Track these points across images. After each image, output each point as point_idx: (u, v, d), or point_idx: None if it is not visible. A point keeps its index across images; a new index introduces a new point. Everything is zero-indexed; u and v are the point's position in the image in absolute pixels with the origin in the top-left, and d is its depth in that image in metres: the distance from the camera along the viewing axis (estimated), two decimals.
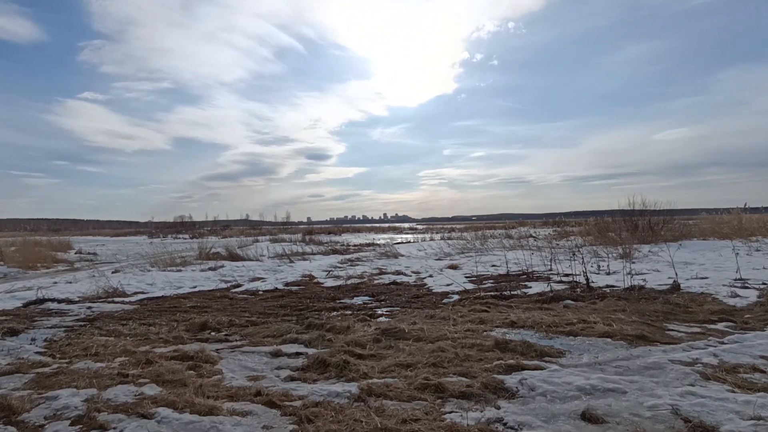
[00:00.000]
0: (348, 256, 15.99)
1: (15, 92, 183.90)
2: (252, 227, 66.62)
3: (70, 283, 10.09)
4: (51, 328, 5.57)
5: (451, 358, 3.67)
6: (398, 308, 6.55)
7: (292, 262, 13.85)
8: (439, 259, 14.58)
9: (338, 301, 7.31)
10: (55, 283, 10.25)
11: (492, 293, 7.35)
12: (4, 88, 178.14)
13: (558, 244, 17.20)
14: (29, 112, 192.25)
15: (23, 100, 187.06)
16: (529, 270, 10.35)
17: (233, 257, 14.75)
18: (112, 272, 11.57)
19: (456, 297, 7.32)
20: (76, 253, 22.67)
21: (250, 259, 14.75)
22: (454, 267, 12.01)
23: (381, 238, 32.27)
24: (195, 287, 9.42)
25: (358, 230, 59.63)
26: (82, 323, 5.76)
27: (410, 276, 10.59)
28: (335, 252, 18.30)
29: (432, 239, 26.42)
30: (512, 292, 7.45)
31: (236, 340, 4.81)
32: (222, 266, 12.44)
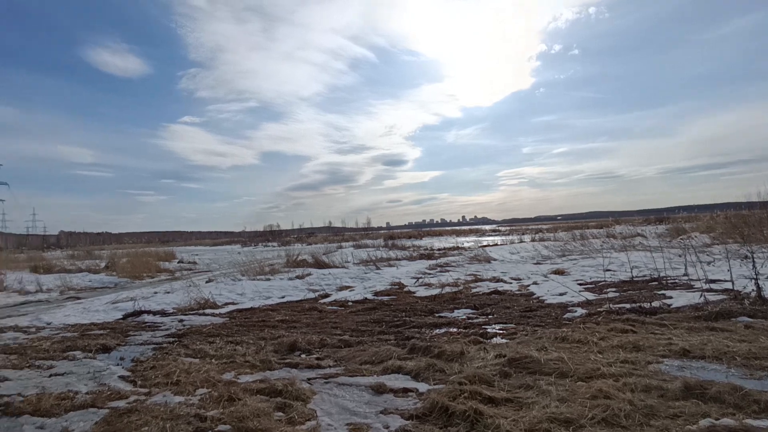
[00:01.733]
0: (436, 262, 15.04)
1: (128, 122, 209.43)
2: (335, 234, 68.27)
3: (168, 293, 10.29)
4: (141, 345, 5.31)
5: (627, 411, 2.57)
6: (512, 325, 5.47)
7: (378, 268, 13.22)
8: (537, 263, 13.08)
9: (437, 315, 6.39)
10: (155, 293, 10.53)
11: (627, 306, 5.97)
12: (119, 120, 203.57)
13: (680, 243, 14.75)
14: (140, 138, 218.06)
15: (135, 128, 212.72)
16: (660, 275, 8.63)
17: (320, 264, 14.49)
18: (206, 282, 11.75)
19: (580, 311, 6.05)
20: (178, 263, 24.24)
21: (336, 266, 14.38)
22: (559, 272, 10.54)
23: (465, 242, 30.83)
24: (283, 297, 9.08)
25: (439, 234, 58.41)
26: (171, 340, 5.44)
27: (511, 283, 9.38)
28: (422, 257, 17.42)
29: (522, 241, 24.53)
30: (652, 305, 6.01)
31: (329, 366, 4.10)
32: (309, 274, 12.13)
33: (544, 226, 51.79)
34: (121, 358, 4.70)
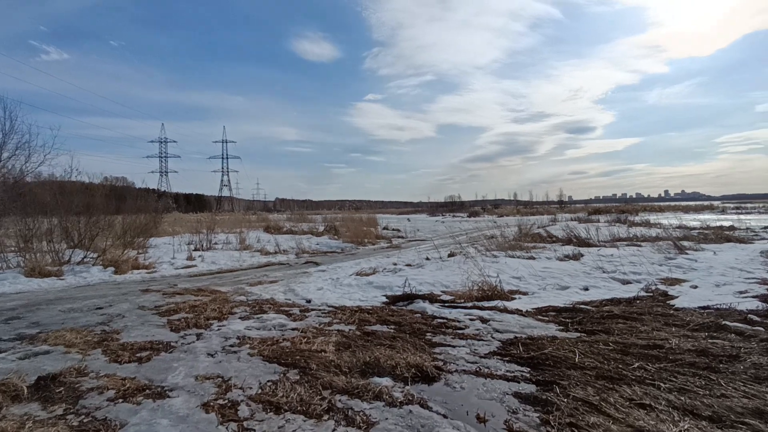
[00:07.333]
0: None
1: (323, 102, 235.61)
2: (525, 206, 62.95)
3: (411, 266, 8.41)
4: (475, 375, 2.94)
5: None
6: None
7: (681, 251, 9.13)
8: None
9: None
10: (395, 264, 8.80)
11: None
12: (316, 101, 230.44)
13: None
14: (334, 116, 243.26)
15: (329, 107, 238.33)
16: None
17: (580, 242, 11.08)
18: (448, 255, 9.61)
19: None
20: (383, 229, 23.74)
21: (595, 245, 10.79)
22: None
23: (712, 220, 22.91)
24: (587, 289, 6.12)
25: (660, 210, 47.90)
26: (528, 376, 2.95)
27: None
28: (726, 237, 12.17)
29: None
30: None
31: None
32: (580, 255, 8.91)
33: None
34: (481, 419, 2.35)
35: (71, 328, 4.20)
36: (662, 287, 6.00)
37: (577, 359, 3.12)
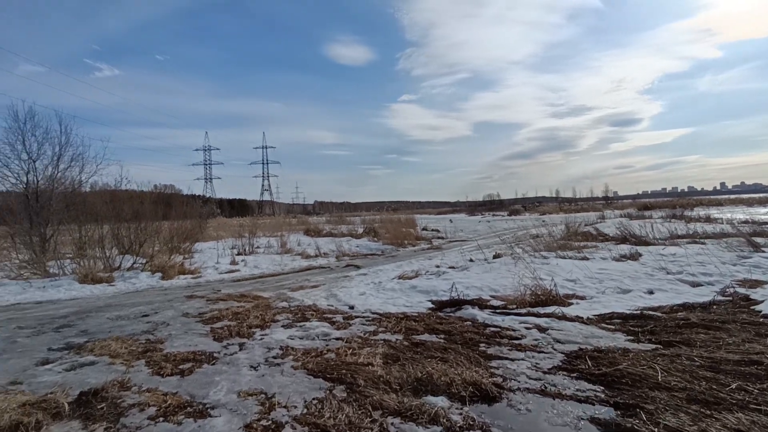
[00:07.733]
0: None
1: (359, 105, 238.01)
2: (568, 203, 60.73)
3: (455, 269, 8.08)
4: (549, 395, 2.63)
5: None
6: None
7: (757, 248, 8.27)
8: None
9: None
10: (438, 267, 8.50)
11: None
12: (351, 104, 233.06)
13: None
14: (368, 118, 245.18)
15: (363, 110, 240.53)
16: None
17: (637, 240, 10.33)
18: (494, 256, 9.19)
19: None
20: (422, 230, 23.40)
21: (656, 243, 10.02)
22: None
23: None
24: (652, 293, 5.58)
25: (719, 203, 44.76)
26: (616, 403, 2.60)
27: None
28: None
29: None
30: None
31: None
32: (638, 254, 8.26)
33: None
34: None
35: (117, 337, 4.19)
36: (741, 290, 5.37)
37: (659, 377, 2.72)
